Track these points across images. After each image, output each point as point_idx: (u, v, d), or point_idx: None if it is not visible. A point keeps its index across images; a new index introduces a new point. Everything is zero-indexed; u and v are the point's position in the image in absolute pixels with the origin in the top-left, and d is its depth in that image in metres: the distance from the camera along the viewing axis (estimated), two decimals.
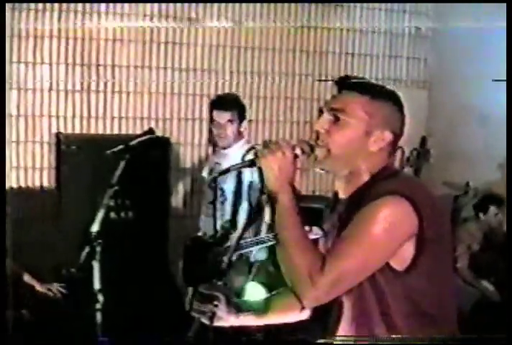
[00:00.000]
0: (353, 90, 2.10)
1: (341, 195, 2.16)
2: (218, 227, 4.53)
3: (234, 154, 4.59)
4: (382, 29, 7.03)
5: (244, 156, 4.70)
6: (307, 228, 2.11)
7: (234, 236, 4.50)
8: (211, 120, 4.61)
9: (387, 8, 7.01)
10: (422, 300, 2.02)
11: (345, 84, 2.14)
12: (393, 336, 2.01)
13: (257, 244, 4.00)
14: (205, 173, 4.94)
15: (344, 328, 2.15)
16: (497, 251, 5.74)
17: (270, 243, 3.81)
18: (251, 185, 4.43)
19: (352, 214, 2.00)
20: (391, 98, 2.13)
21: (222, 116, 4.51)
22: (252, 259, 4.48)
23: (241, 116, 4.58)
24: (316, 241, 2.05)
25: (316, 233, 3.11)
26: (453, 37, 6.76)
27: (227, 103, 4.58)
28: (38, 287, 4.76)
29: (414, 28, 7.11)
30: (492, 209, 5.75)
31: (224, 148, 4.60)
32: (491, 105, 6.18)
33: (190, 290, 4.83)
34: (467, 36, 6.48)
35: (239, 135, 4.60)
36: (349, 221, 2.00)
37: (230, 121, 4.50)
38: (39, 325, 4.69)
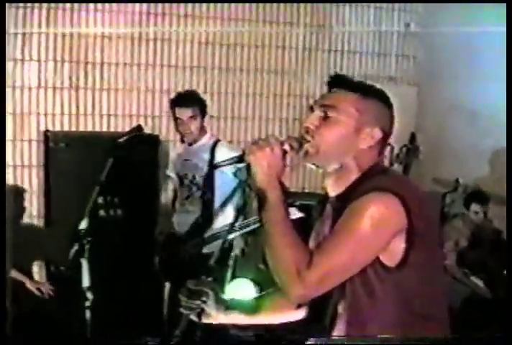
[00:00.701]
0: (344, 88, 2.12)
1: (331, 193, 2.16)
2: (195, 221, 4.60)
3: (201, 149, 4.64)
4: (371, 27, 7.04)
5: (212, 149, 4.75)
6: None
7: (218, 227, 4.52)
8: (174, 118, 4.67)
9: (377, 6, 7.02)
10: (413, 298, 2.02)
11: (336, 82, 2.15)
12: (384, 335, 2.01)
13: (242, 228, 4.02)
14: (170, 171, 4.95)
15: (338, 327, 2.15)
16: (485, 247, 5.75)
17: (254, 226, 3.81)
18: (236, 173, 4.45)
19: (341, 211, 2.00)
20: (381, 97, 2.15)
21: (184, 113, 4.61)
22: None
23: (203, 112, 4.70)
24: (300, 232, 2.03)
25: (293, 213, 3.11)
26: (442, 34, 6.77)
27: (188, 99, 4.68)
28: (28, 284, 4.74)
29: (403, 25, 7.12)
30: (473, 206, 5.74)
31: (190, 144, 4.68)
32: (480, 102, 6.20)
33: (168, 284, 4.85)
34: (456, 33, 6.49)
35: (203, 130, 4.71)
36: (338, 218, 2.00)
37: (192, 117, 4.61)
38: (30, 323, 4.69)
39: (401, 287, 2.00)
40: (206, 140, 4.70)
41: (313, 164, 2.14)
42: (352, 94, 2.10)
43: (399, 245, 1.97)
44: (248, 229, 3.96)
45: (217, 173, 4.50)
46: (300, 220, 2.12)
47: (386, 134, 2.13)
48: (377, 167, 2.11)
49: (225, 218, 4.55)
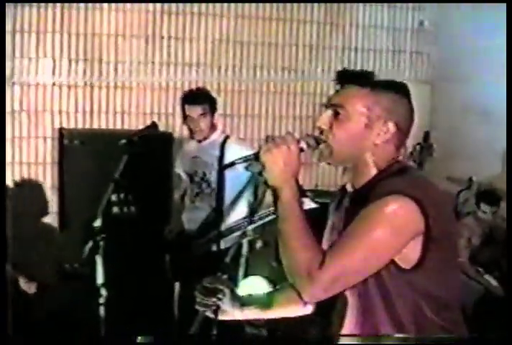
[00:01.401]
0: (354, 84, 2.08)
1: (349, 188, 2.14)
2: (206, 217, 4.62)
3: (211, 146, 4.64)
4: (385, 24, 7.02)
5: (222, 146, 4.76)
6: None
7: (230, 222, 4.52)
8: (184, 115, 4.66)
9: (390, 4, 7.01)
10: (427, 300, 2.00)
11: (344, 78, 2.12)
12: (397, 335, 2.00)
13: (260, 219, 4.01)
14: (178, 168, 4.95)
15: (349, 325, 2.14)
16: (499, 246, 5.71)
17: (271, 217, 3.81)
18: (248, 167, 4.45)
19: (357, 210, 1.98)
20: (395, 89, 2.09)
21: (194, 111, 4.60)
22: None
23: (213, 109, 4.68)
24: (314, 229, 2.02)
25: (307, 204, 3.11)
26: (456, 31, 6.75)
27: (198, 97, 4.67)
28: (21, 283, 4.72)
29: (417, 23, 7.10)
30: (483, 206, 5.72)
31: (200, 141, 4.67)
32: (493, 99, 6.17)
33: (178, 284, 4.85)
34: (470, 30, 6.47)
35: (213, 127, 4.70)
36: (354, 216, 1.98)
37: (203, 114, 4.59)
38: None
39: (415, 288, 1.98)
40: (215, 137, 4.69)
41: (329, 163, 2.12)
42: (360, 89, 2.06)
43: (415, 249, 1.95)
44: (265, 220, 3.96)
45: (228, 170, 4.49)
46: (314, 211, 2.10)
47: (403, 128, 2.08)
48: (396, 164, 2.07)
49: (237, 213, 4.56)
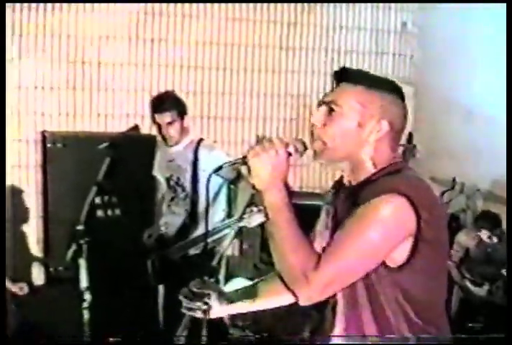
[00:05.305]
0: (349, 82, 2.09)
1: (346, 183, 2.13)
2: (183, 222, 4.61)
3: (184, 150, 4.60)
4: (368, 26, 7.04)
5: (196, 150, 4.72)
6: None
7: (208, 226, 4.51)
8: (154, 122, 4.59)
9: (373, 5, 7.03)
10: (411, 300, 2.00)
11: (340, 76, 2.12)
12: (383, 335, 2.00)
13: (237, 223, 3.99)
14: (156, 172, 4.91)
15: (337, 328, 2.15)
16: (495, 267, 5.53)
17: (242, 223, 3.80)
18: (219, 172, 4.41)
19: (352, 206, 1.98)
20: (389, 88, 2.10)
21: (162, 118, 4.51)
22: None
23: (182, 113, 4.57)
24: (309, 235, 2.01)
25: (258, 217, 3.11)
26: (439, 33, 6.78)
27: (165, 104, 4.55)
28: (10, 286, 4.68)
29: (400, 24, 7.13)
30: (483, 232, 5.52)
31: (172, 145, 4.62)
32: (476, 101, 6.20)
33: (162, 287, 4.84)
34: (453, 32, 6.49)
35: (185, 131, 4.61)
36: (349, 211, 1.98)
37: (171, 121, 4.51)
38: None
39: (400, 288, 1.99)
40: (188, 141, 4.62)
41: (322, 162, 2.11)
42: (355, 87, 2.07)
43: (404, 249, 1.96)
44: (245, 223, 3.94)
45: (201, 174, 4.49)
46: (304, 210, 2.11)
47: (396, 127, 2.08)
48: (394, 164, 2.07)
49: (213, 217, 4.53)
